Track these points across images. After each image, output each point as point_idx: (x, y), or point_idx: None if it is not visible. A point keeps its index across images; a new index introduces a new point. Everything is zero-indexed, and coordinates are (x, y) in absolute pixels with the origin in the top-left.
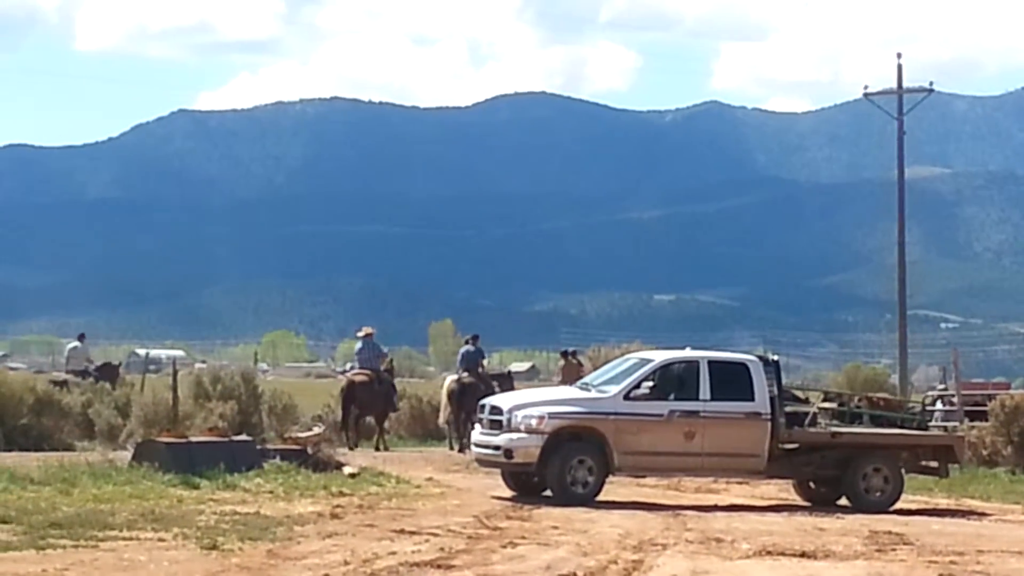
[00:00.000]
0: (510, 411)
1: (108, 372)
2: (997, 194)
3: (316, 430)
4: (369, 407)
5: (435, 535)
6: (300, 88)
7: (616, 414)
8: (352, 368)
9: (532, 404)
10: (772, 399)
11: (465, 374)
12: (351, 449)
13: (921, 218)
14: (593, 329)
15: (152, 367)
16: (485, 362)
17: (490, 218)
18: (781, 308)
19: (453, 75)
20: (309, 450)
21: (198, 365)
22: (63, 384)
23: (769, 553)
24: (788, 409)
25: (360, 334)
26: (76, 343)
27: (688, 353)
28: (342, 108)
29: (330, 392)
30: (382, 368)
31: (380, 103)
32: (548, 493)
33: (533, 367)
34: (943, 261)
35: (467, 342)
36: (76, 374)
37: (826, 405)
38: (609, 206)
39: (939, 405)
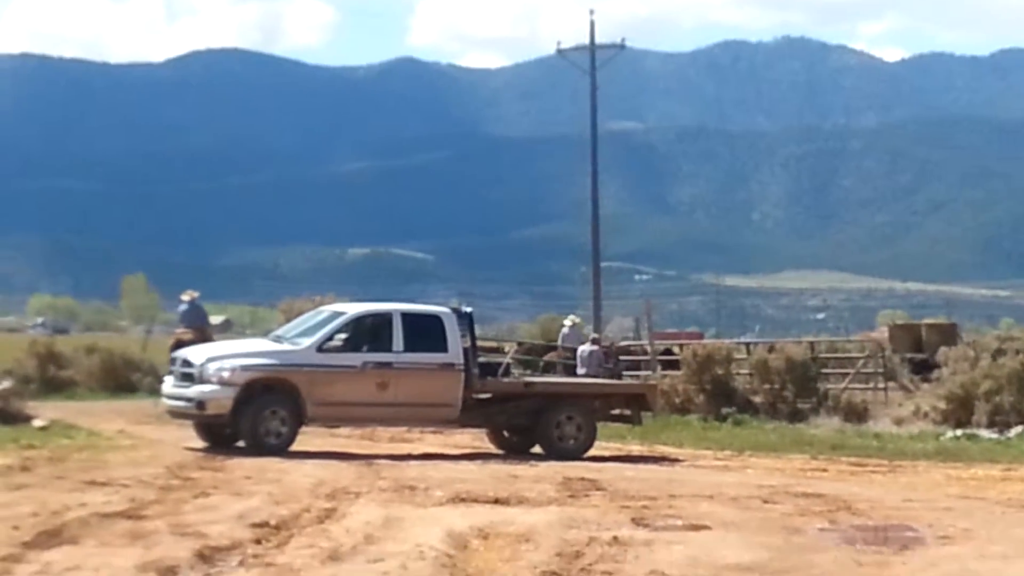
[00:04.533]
0: (203, 363)
1: None
2: (689, 148)
3: (5, 384)
4: None
5: (126, 486)
6: None
7: (310, 365)
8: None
9: (224, 356)
10: (465, 350)
11: None
12: None
13: (615, 172)
14: (288, 283)
15: None
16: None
17: (183, 174)
18: (476, 261)
19: (147, 30)
20: None
21: None
22: None
23: (463, 500)
24: (482, 360)
25: (185, 297)
26: None
27: (381, 305)
28: (32, 64)
29: (20, 347)
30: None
31: (72, 59)
32: (242, 444)
33: (227, 320)
34: (638, 215)
35: None
36: None
37: None
38: (303, 161)
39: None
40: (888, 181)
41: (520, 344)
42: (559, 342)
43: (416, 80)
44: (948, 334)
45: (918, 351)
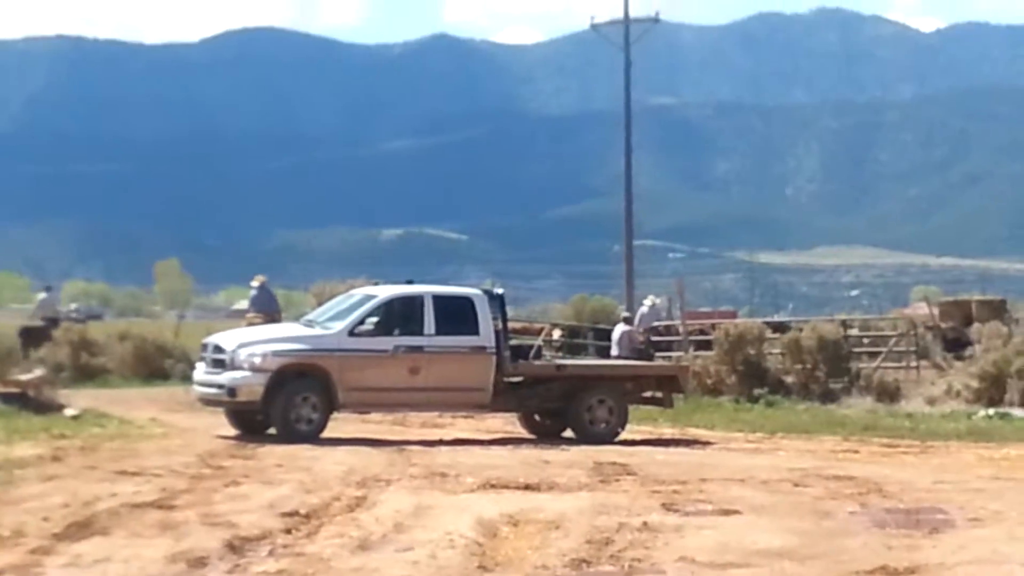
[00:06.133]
0: (234, 349)
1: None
2: (725, 123)
3: (37, 372)
4: None
5: (157, 475)
6: (24, 26)
7: (341, 350)
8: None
9: (255, 342)
10: (497, 332)
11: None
12: None
13: (652, 147)
14: (321, 265)
15: None
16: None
17: (218, 156)
18: (511, 241)
19: (181, 10)
20: (30, 393)
21: None
22: (43, 330)
23: (493, 487)
24: (513, 343)
25: (255, 283)
26: (44, 293)
27: (412, 288)
28: (66, 46)
29: (53, 334)
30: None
31: (106, 40)
32: (273, 431)
33: None
34: (674, 191)
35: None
36: (48, 320)
37: None
38: (337, 142)
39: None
40: (924, 154)
41: (555, 326)
42: (636, 322)
43: (451, 57)
44: (998, 310)
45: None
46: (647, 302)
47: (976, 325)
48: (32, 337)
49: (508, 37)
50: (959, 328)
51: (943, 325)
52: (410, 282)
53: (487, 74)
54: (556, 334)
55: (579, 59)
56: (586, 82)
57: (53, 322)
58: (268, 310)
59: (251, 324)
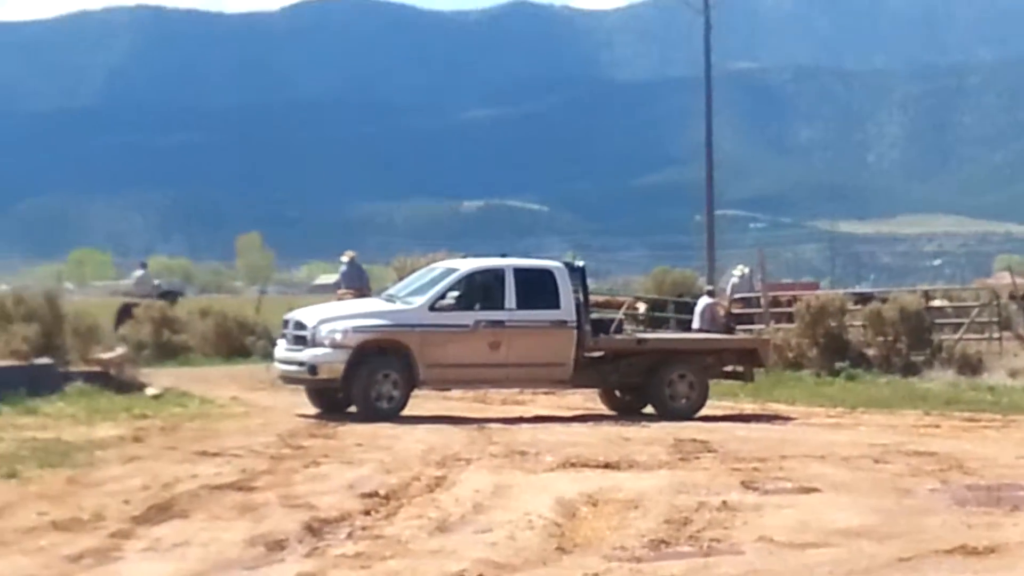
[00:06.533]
0: (315, 326)
1: (171, 295)
2: (805, 88)
3: (119, 351)
4: None
5: (237, 456)
6: None
7: (421, 326)
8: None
9: (336, 318)
10: (578, 306)
11: None
12: None
13: (733, 113)
14: (402, 238)
15: None
16: None
17: (297, 125)
18: (592, 211)
19: None
20: (112, 371)
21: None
22: (134, 306)
23: (573, 465)
24: (594, 316)
25: (344, 258)
26: (140, 271)
27: (493, 261)
28: (147, 16)
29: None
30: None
31: (186, 10)
32: (353, 409)
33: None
34: (755, 157)
35: None
36: (145, 298)
37: None
38: (417, 111)
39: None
40: (1008, 117)
41: (639, 299)
42: (728, 293)
43: (530, 23)
44: None
45: None
46: (736, 272)
47: None
48: (129, 314)
49: (587, 2)
50: None
51: None
52: (504, 256)
53: (566, 40)
54: (642, 308)
55: (658, 24)
56: (665, 47)
57: (149, 297)
58: (358, 285)
59: (341, 300)
